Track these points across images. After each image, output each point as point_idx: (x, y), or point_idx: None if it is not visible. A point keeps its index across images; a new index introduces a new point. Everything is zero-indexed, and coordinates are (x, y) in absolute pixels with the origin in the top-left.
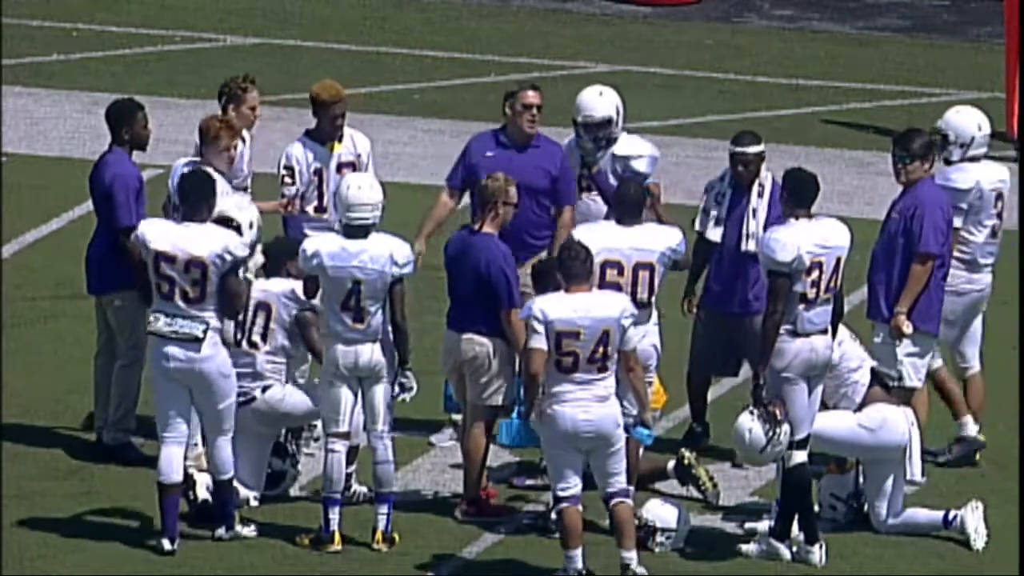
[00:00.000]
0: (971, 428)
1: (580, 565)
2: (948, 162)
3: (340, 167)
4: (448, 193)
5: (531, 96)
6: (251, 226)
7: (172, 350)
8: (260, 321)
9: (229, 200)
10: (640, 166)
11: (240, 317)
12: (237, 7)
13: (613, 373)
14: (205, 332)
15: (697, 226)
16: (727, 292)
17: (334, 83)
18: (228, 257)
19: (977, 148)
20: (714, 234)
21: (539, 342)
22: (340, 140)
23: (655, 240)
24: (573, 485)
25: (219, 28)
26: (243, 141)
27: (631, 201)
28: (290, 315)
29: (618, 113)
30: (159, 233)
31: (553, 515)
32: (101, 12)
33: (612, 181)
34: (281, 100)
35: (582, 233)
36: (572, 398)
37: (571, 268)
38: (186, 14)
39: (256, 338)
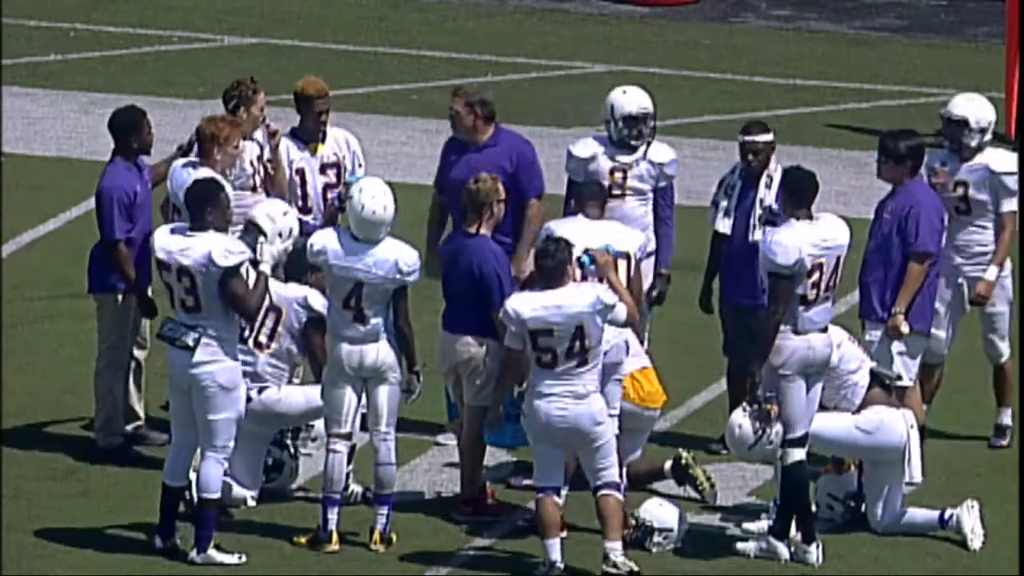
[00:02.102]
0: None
1: (556, 556)
2: (966, 148)
3: (323, 168)
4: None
5: (451, 103)
6: (280, 235)
7: (172, 354)
8: (269, 323)
9: (262, 207)
10: (671, 170)
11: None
12: (234, 7)
13: (597, 366)
14: (196, 341)
15: (709, 220)
16: (738, 283)
17: (319, 79)
18: (212, 268)
19: (989, 134)
20: (723, 225)
21: (513, 341)
22: (323, 141)
23: (627, 233)
24: (550, 478)
25: (216, 28)
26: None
27: (598, 194)
28: (300, 322)
29: (654, 107)
30: (161, 242)
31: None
32: (98, 12)
33: (642, 185)
34: (278, 100)
35: (557, 227)
36: (549, 393)
37: (544, 269)
38: (183, 14)
39: (263, 339)
